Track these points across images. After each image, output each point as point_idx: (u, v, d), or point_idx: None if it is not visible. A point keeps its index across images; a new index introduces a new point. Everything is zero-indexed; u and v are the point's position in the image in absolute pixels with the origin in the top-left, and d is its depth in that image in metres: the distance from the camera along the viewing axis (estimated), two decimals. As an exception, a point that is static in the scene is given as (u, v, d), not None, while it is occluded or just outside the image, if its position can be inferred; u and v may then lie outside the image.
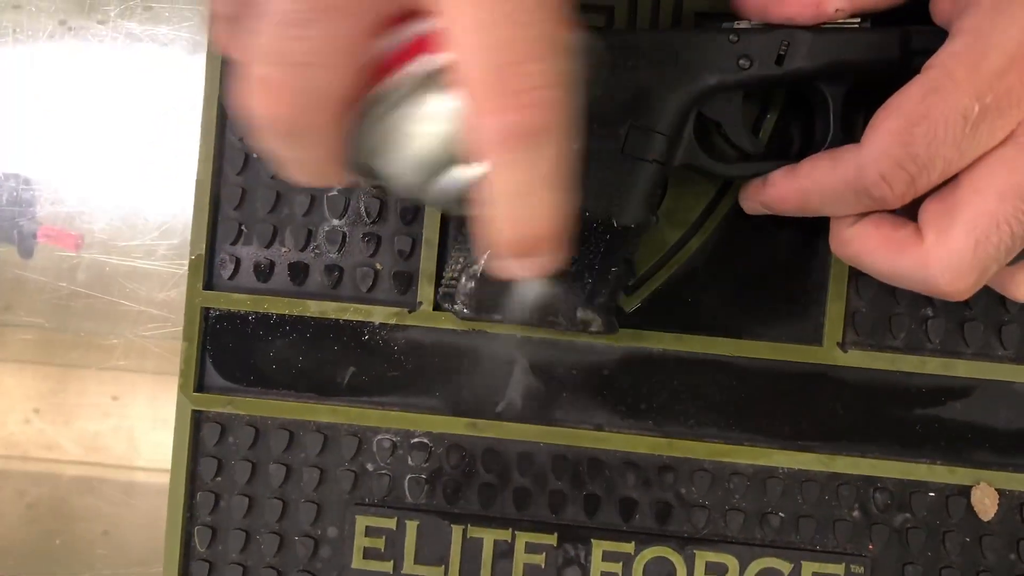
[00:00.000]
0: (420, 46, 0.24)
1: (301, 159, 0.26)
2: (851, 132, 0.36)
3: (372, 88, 0.25)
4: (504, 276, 0.27)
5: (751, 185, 0.37)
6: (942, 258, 0.31)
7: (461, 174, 0.26)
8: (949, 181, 0.31)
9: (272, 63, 0.23)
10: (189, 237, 0.41)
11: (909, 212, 0.32)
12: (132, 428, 0.44)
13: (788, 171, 0.35)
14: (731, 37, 0.34)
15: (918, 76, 0.30)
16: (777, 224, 0.39)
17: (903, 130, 0.30)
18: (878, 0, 0.33)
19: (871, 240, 0.33)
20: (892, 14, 0.34)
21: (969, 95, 0.29)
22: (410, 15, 0.24)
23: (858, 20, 0.34)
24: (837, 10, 0.33)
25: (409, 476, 0.40)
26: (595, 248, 0.36)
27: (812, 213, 0.35)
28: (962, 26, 0.30)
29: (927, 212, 0.31)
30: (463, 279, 0.36)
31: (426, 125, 0.25)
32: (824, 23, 0.34)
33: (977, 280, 0.31)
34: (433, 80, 0.24)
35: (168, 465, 0.41)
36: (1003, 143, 0.29)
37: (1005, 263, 0.31)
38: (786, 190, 0.35)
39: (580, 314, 0.36)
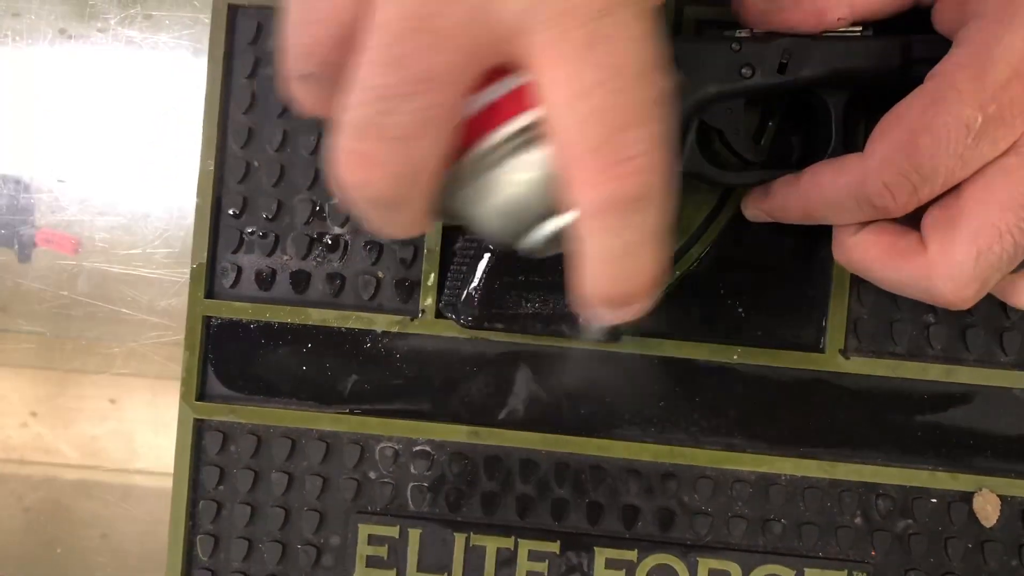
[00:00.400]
0: (514, 101, 0.24)
1: (394, 221, 0.25)
2: (853, 140, 0.36)
3: (466, 146, 0.24)
4: (592, 321, 0.27)
5: (753, 193, 0.37)
6: (945, 268, 0.31)
7: (554, 225, 0.25)
8: (952, 190, 0.31)
9: (366, 138, 0.23)
10: (190, 245, 0.41)
11: (912, 220, 0.32)
12: (131, 432, 0.44)
13: (790, 180, 0.35)
14: (733, 45, 0.34)
15: (921, 86, 0.30)
16: (778, 231, 0.39)
17: (906, 140, 0.30)
18: (880, 9, 0.33)
19: (874, 249, 0.33)
20: (894, 22, 0.34)
21: (972, 105, 0.29)
22: (503, 70, 0.24)
23: (860, 28, 0.34)
24: (839, 19, 0.33)
25: (411, 484, 0.40)
26: (597, 256, 0.35)
27: (814, 221, 0.35)
28: (966, 36, 0.30)
29: (930, 221, 0.31)
30: (464, 287, 0.36)
31: (520, 181, 0.25)
32: (826, 31, 0.34)
33: (979, 290, 0.31)
34: (527, 136, 0.24)
35: (167, 468, 0.41)
36: (1006, 153, 0.29)
37: (1008, 272, 0.31)
38: (788, 199, 0.35)
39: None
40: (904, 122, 0.30)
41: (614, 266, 0.24)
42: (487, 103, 0.24)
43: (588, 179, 0.22)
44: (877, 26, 0.34)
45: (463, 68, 0.23)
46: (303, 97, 0.25)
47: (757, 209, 0.37)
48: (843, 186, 0.32)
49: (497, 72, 0.24)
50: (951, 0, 0.32)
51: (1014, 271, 0.32)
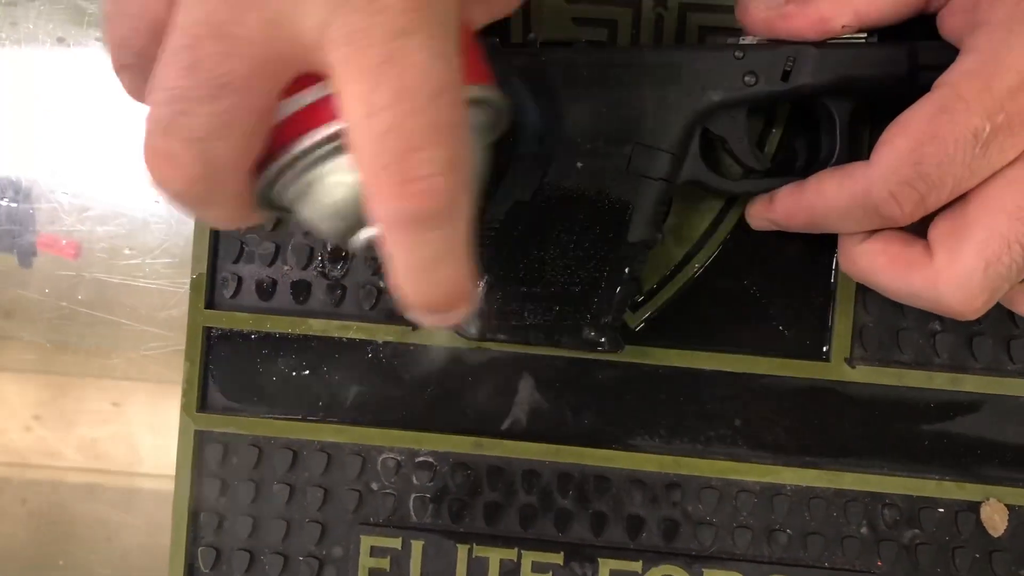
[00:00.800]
0: (324, 108, 0.24)
1: (213, 216, 0.26)
2: (858, 148, 0.35)
3: (279, 148, 0.25)
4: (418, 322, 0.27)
5: (757, 201, 0.37)
6: (952, 278, 0.30)
7: (368, 233, 0.26)
8: (959, 200, 0.30)
9: (166, 136, 0.23)
10: (190, 255, 0.41)
11: (919, 229, 0.32)
12: (133, 434, 0.43)
13: (795, 188, 0.35)
14: (736, 53, 0.34)
15: (928, 94, 0.30)
16: (783, 240, 0.38)
17: (913, 149, 0.29)
18: (885, 16, 0.33)
19: (880, 258, 0.33)
20: (900, 29, 0.33)
21: (980, 114, 0.28)
22: (315, 77, 0.24)
23: (865, 35, 0.33)
24: (844, 26, 0.33)
25: (414, 495, 0.40)
26: (600, 266, 0.35)
27: (819, 230, 0.35)
28: (974, 44, 0.30)
29: (937, 231, 0.31)
30: None
31: (334, 185, 0.25)
32: (831, 39, 0.33)
33: (988, 300, 0.31)
34: (337, 144, 0.24)
35: (169, 471, 0.41)
36: (1013, 163, 0.29)
37: (1016, 282, 0.31)
38: (793, 207, 0.35)
39: (585, 333, 0.36)
40: (911, 131, 0.30)
41: (418, 277, 0.24)
42: (302, 106, 0.24)
43: (381, 195, 0.23)
44: (882, 33, 0.33)
45: (261, 75, 0.23)
46: (125, 85, 0.26)
47: (761, 218, 0.37)
48: (848, 195, 0.32)
49: (312, 78, 0.24)
50: (958, 6, 0.32)
51: (1023, 281, 0.31)
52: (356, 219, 0.26)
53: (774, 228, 0.36)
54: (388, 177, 0.22)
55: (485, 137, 0.29)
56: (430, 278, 0.24)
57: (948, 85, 0.29)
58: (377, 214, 0.23)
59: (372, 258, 0.27)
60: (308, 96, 0.24)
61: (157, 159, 0.23)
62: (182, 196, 0.24)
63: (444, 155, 0.22)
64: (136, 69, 0.25)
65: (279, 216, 0.30)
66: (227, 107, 0.23)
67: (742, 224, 0.39)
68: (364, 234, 0.27)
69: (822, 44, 0.34)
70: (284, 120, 0.25)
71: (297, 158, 0.25)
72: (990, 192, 0.30)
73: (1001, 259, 0.29)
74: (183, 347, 0.41)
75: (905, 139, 0.30)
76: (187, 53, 0.22)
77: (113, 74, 0.26)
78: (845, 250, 0.35)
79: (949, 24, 0.32)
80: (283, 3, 0.22)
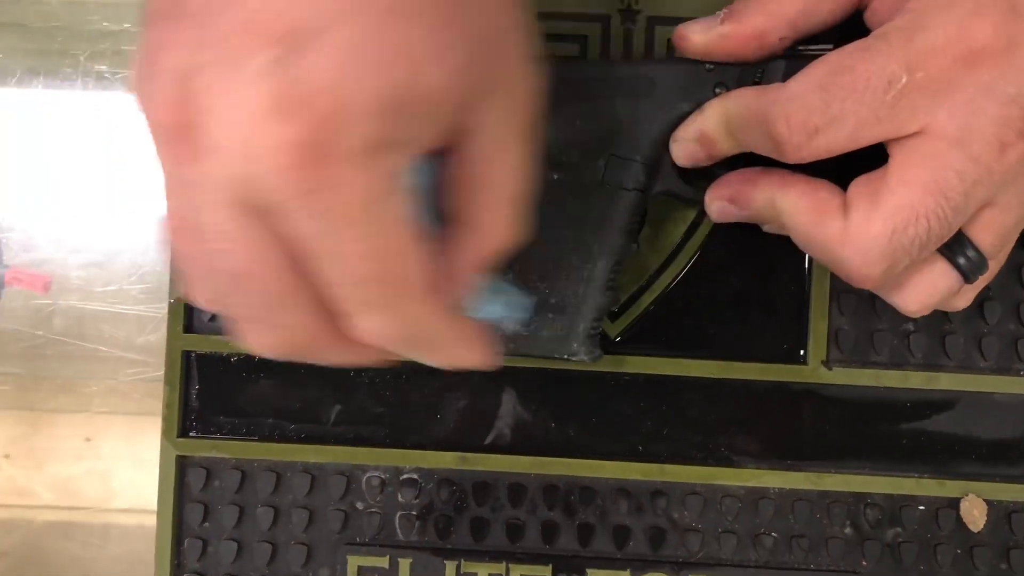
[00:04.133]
0: None
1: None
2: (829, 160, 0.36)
3: None
4: None
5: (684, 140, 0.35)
6: (859, 240, 0.30)
7: None
8: (880, 167, 0.30)
9: (251, 324, 0.26)
10: (166, 280, 0.40)
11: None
12: (107, 470, 0.43)
13: (718, 98, 0.34)
14: (707, 66, 0.34)
15: (853, 43, 0.30)
16: (757, 246, 0.39)
17: (824, 77, 0.29)
18: (819, 21, 0.32)
19: (805, 198, 0.32)
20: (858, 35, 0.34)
21: (899, 62, 0.28)
22: None
23: (830, 46, 0.34)
24: (781, 39, 0.33)
25: (400, 513, 0.40)
26: (577, 276, 0.36)
27: (730, 143, 0.33)
28: (907, 8, 0.29)
29: (855, 190, 0.31)
30: None
31: None
32: (797, 50, 0.34)
33: (887, 270, 0.30)
34: None
35: (147, 506, 0.40)
36: (934, 134, 0.28)
37: (917, 258, 0.30)
38: (713, 112, 0.33)
39: (563, 343, 0.36)
40: (829, 62, 0.29)
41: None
42: None
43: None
44: (840, 40, 0.34)
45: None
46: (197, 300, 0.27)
47: (686, 142, 0.35)
48: (755, 106, 0.31)
49: None
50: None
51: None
52: None
53: (707, 160, 0.35)
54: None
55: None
56: None
57: (876, 35, 0.29)
58: None
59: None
60: None
61: (247, 336, 0.26)
62: (284, 355, 0.26)
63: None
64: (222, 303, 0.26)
65: None
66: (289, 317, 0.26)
67: (716, 232, 0.40)
68: None
69: (789, 56, 0.34)
70: None
71: None
72: (909, 161, 0.29)
73: (907, 230, 0.29)
74: (162, 373, 0.40)
75: (821, 68, 0.29)
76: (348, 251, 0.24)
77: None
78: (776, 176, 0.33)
79: (880, 11, 0.31)
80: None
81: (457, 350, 0.28)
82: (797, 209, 0.32)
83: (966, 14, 0.28)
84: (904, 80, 0.28)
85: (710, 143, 0.34)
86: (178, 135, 0.23)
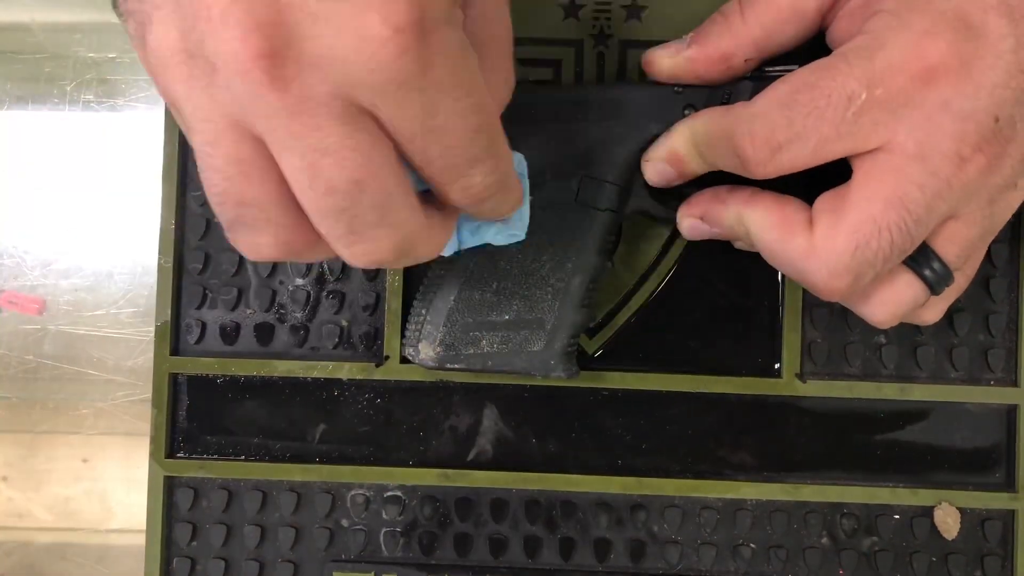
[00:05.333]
0: None
1: (425, 253, 0.29)
2: (794, 177, 0.37)
3: None
4: None
5: (655, 160, 0.35)
6: (824, 254, 0.31)
7: None
8: (842, 183, 0.31)
9: (356, 240, 0.27)
10: (154, 303, 0.41)
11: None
12: (104, 491, 0.43)
13: (688, 119, 0.34)
14: (676, 88, 0.35)
15: (813, 63, 0.30)
16: (730, 262, 0.40)
17: (786, 95, 0.30)
18: (783, 41, 0.33)
19: (772, 214, 0.33)
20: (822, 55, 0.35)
21: (859, 79, 0.29)
22: None
23: (795, 66, 0.35)
24: (746, 60, 0.34)
25: (384, 530, 0.41)
26: (554, 294, 0.36)
27: (698, 161, 0.34)
28: (865, 28, 0.30)
29: (820, 204, 0.31)
30: (425, 329, 0.37)
31: None
32: (763, 71, 0.35)
33: (852, 283, 0.31)
34: None
35: (141, 526, 0.41)
36: (895, 149, 0.29)
37: (881, 271, 0.31)
38: (682, 134, 0.34)
39: (541, 359, 0.37)
40: (791, 79, 0.30)
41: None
42: None
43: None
44: (805, 60, 0.35)
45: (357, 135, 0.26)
46: (238, 244, 0.27)
47: (658, 164, 0.36)
48: (723, 123, 0.32)
49: None
50: (845, 12, 0.32)
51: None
52: None
53: (678, 180, 0.35)
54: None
55: None
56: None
57: (836, 54, 0.30)
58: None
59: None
60: None
61: (364, 256, 0.27)
62: (398, 261, 0.28)
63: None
64: (242, 221, 0.27)
65: None
66: (374, 189, 0.26)
67: (690, 250, 0.40)
68: None
69: (755, 77, 0.35)
70: None
71: None
72: (871, 176, 0.30)
73: (870, 243, 0.30)
74: (150, 395, 0.41)
75: (784, 85, 0.30)
76: (313, 173, 0.25)
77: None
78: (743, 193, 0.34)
79: (840, 31, 0.32)
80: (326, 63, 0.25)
81: (515, 193, 0.30)
82: (764, 225, 0.33)
83: (922, 34, 0.29)
84: (864, 97, 0.29)
85: (679, 162, 0.35)
86: (271, 63, 0.23)
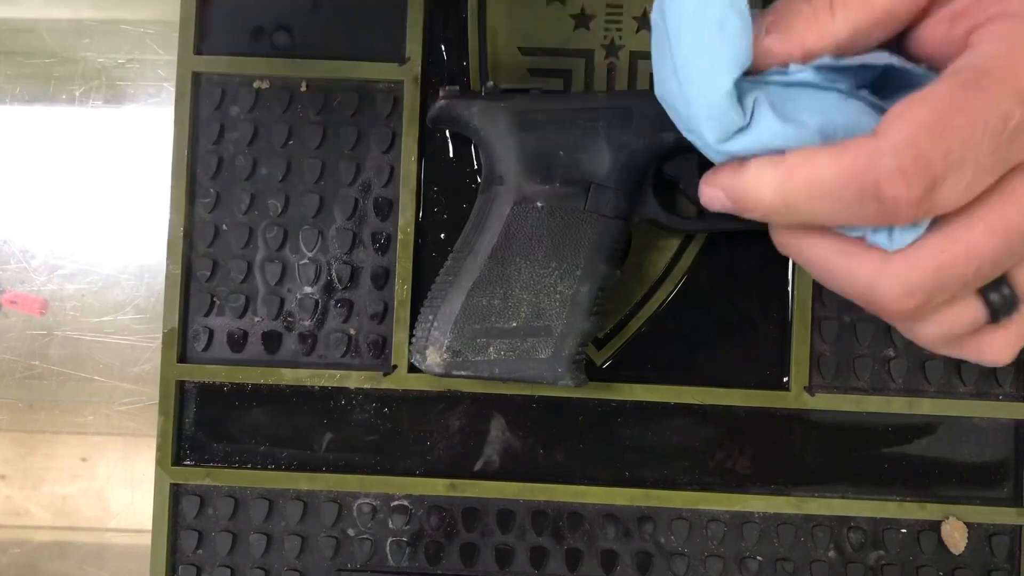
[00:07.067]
0: None
1: None
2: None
3: None
4: None
5: (722, 170, 0.30)
6: (901, 270, 0.27)
7: None
8: None
9: None
10: (161, 310, 0.41)
11: None
12: (102, 489, 0.43)
13: (772, 160, 0.28)
14: None
15: (942, 76, 0.26)
16: (739, 273, 0.40)
17: (936, 119, 0.25)
18: (865, 46, 0.29)
19: (827, 243, 0.29)
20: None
21: (1011, 96, 0.25)
22: None
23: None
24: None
25: (391, 539, 0.40)
26: (562, 303, 0.36)
27: (788, 218, 0.28)
28: (987, 35, 0.26)
29: None
30: (432, 335, 0.37)
31: None
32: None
33: (923, 304, 0.27)
34: None
35: (141, 526, 0.41)
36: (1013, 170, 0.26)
37: (954, 295, 0.28)
38: (766, 180, 0.28)
39: (548, 368, 0.36)
40: (931, 102, 0.25)
41: None
42: None
43: None
44: None
45: None
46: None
47: (720, 187, 0.30)
48: (845, 169, 0.26)
49: None
50: (945, 15, 0.28)
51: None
52: None
53: (730, 209, 0.30)
54: None
55: None
56: None
57: (971, 67, 0.25)
58: None
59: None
60: None
61: None
62: None
63: None
64: None
65: None
66: None
67: (700, 261, 0.40)
68: None
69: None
70: None
71: None
72: (978, 197, 0.26)
73: (956, 267, 0.27)
74: (156, 402, 0.41)
75: (924, 109, 0.25)
76: None
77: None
78: (783, 231, 0.30)
79: (936, 36, 0.29)
80: None
81: None
82: (819, 253, 0.29)
83: None
84: (1018, 116, 0.25)
85: (751, 211, 0.29)
86: None
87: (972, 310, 0.29)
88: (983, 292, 0.28)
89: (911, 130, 0.25)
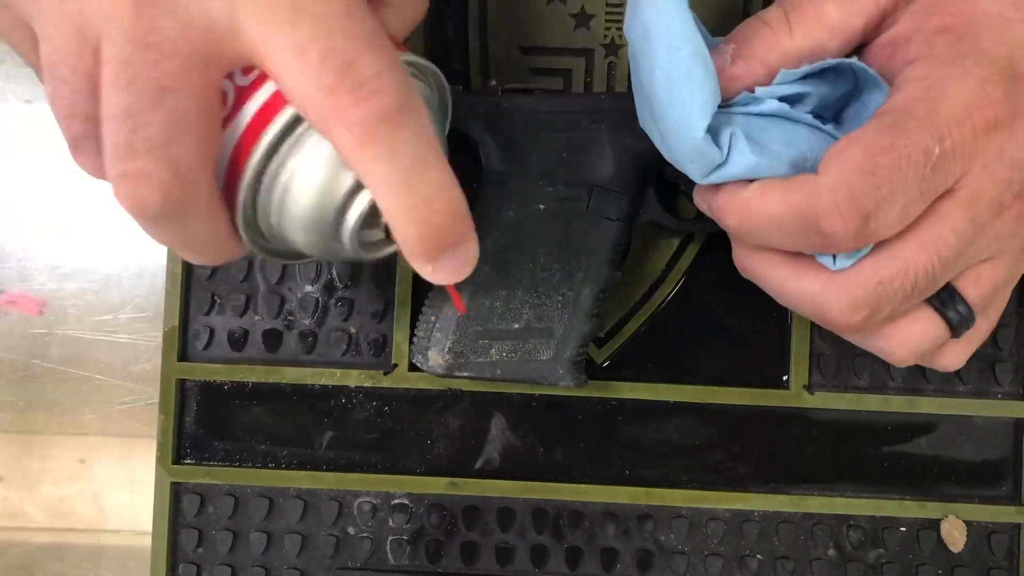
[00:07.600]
0: (273, 103, 0.27)
1: (192, 237, 0.28)
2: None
3: (245, 159, 0.27)
4: (434, 282, 0.29)
5: (703, 187, 0.33)
6: (844, 287, 0.30)
7: (356, 199, 0.28)
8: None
9: (127, 158, 0.25)
10: (162, 308, 0.41)
11: None
12: (99, 491, 0.43)
13: (739, 186, 0.31)
14: None
15: (871, 119, 0.29)
16: (738, 273, 0.40)
17: (865, 160, 0.28)
18: (822, 58, 0.31)
19: (776, 257, 0.32)
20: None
21: (931, 134, 0.28)
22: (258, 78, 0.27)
23: None
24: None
25: (391, 538, 0.41)
26: (563, 304, 0.36)
27: (747, 237, 0.32)
28: (914, 75, 0.29)
29: None
30: (434, 336, 0.37)
31: (307, 169, 0.27)
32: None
33: (868, 318, 0.30)
34: (294, 131, 0.27)
35: (139, 527, 0.41)
36: (944, 198, 0.29)
37: (898, 309, 0.30)
38: (730, 207, 0.31)
39: (549, 368, 0.37)
40: (862, 144, 0.28)
41: (410, 196, 0.26)
42: (254, 111, 0.27)
43: (339, 117, 0.25)
44: None
45: (194, 70, 0.25)
46: (84, 163, 0.28)
47: (701, 199, 0.34)
48: (791, 204, 0.29)
49: (256, 83, 0.27)
50: (888, 42, 0.31)
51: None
52: (344, 198, 0.28)
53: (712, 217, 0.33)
54: (341, 92, 0.25)
55: (436, 117, 0.31)
56: (422, 192, 0.26)
57: (895, 109, 0.29)
58: (346, 139, 0.25)
59: (370, 243, 0.30)
60: (254, 101, 0.27)
61: (128, 181, 0.26)
62: (161, 212, 0.26)
63: (379, 56, 0.25)
64: (89, 136, 0.27)
65: (265, 248, 0.30)
66: (174, 107, 0.25)
67: (699, 261, 0.41)
68: (358, 204, 0.28)
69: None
70: (243, 132, 0.27)
71: (265, 156, 0.27)
72: None
73: (894, 281, 0.29)
74: (156, 400, 0.41)
75: (856, 150, 0.28)
76: (123, 73, 0.25)
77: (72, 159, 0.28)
78: (740, 247, 0.33)
79: (879, 59, 0.31)
80: (189, 2, 0.25)
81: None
82: (769, 268, 0.32)
83: (981, 82, 0.28)
84: (937, 151, 0.28)
85: (723, 225, 0.33)
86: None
87: (935, 329, 0.31)
88: (940, 311, 0.31)
89: (845, 170, 0.28)
